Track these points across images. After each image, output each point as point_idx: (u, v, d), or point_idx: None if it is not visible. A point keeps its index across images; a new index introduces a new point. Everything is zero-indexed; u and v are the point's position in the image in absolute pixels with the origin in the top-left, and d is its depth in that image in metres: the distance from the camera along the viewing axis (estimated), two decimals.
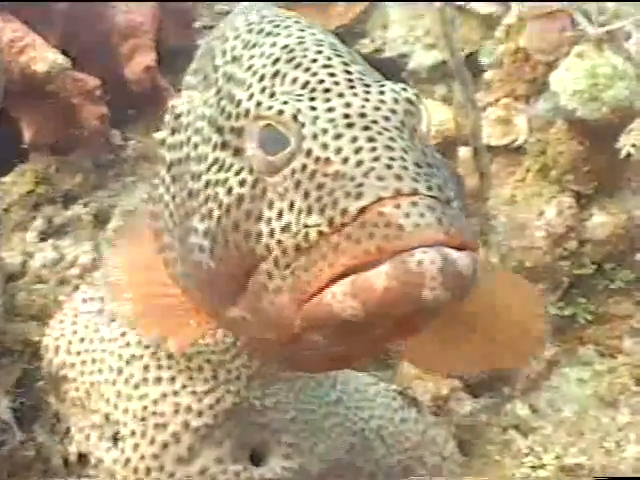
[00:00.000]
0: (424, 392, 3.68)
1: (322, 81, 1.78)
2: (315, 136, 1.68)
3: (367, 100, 1.73)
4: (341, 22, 5.20)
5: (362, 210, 1.57)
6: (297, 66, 1.83)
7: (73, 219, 4.64)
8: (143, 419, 2.59)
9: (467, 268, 1.58)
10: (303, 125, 1.69)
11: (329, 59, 1.83)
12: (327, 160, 1.65)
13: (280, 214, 1.67)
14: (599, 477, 3.48)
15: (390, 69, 4.80)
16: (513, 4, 4.73)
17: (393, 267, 1.53)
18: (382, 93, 1.76)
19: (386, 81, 1.83)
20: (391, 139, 1.65)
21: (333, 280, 1.58)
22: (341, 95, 1.74)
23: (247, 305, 1.79)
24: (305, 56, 1.85)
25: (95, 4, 4.83)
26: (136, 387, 2.65)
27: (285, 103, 1.72)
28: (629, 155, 3.86)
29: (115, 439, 2.64)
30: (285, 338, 1.75)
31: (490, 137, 4.52)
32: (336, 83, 1.77)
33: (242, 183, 1.77)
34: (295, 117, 1.70)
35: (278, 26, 2.01)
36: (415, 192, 1.58)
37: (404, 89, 1.79)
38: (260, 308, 1.74)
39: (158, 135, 2.17)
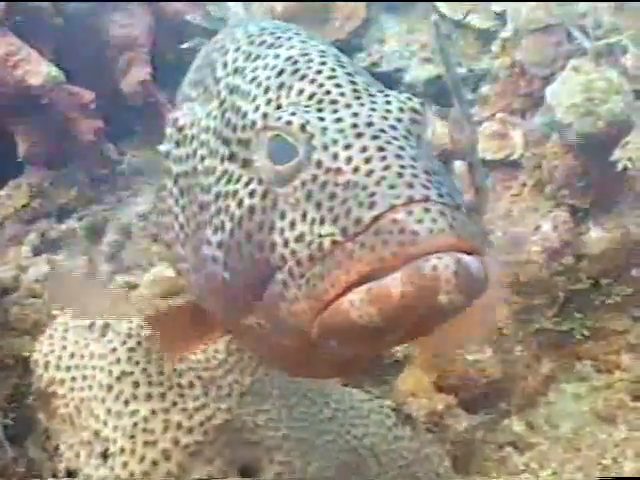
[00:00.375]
0: (419, 408, 3.64)
1: (329, 92, 1.80)
2: (325, 147, 1.70)
3: (374, 110, 1.75)
4: (338, 36, 5.20)
5: (375, 218, 1.59)
6: (302, 78, 1.85)
7: (68, 233, 4.62)
8: (133, 436, 2.56)
9: (479, 271, 1.60)
10: (312, 136, 1.71)
11: (333, 70, 1.86)
12: (338, 170, 1.67)
13: (293, 224, 1.69)
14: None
15: (386, 83, 4.78)
16: (509, 19, 4.73)
17: (408, 273, 1.55)
18: (388, 102, 1.78)
19: (390, 91, 1.85)
20: (400, 148, 1.67)
21: (349, 287, 1.60)
22: (348, 105, 1.76)
23: (263, 313, 1.81)
24: (310, 67, 1.87)
25: (91, 18, 4.83)
26: (126, 404, 2.62)
27: (293, 114, 1.74)
28: (625, 169, 3.85)
29: (104, 456, 2.60)
30: (302, 345, 1.77)
31: (486, 151, 4.51)
32: (342, 94, 1.79)
33: (252, 194, 1.78)
34: (303, 128, 1.72)
35: (280, 38, 2.02)
36: (427, 199, 1.60)
37: (409, 98, 1.81)
38: (277, 316, 1.75)
39: (162, 147, 2.19)
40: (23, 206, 4.61)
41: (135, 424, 2.57)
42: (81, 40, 4.81)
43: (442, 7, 5.11)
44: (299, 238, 1.67)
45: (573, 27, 4.23)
